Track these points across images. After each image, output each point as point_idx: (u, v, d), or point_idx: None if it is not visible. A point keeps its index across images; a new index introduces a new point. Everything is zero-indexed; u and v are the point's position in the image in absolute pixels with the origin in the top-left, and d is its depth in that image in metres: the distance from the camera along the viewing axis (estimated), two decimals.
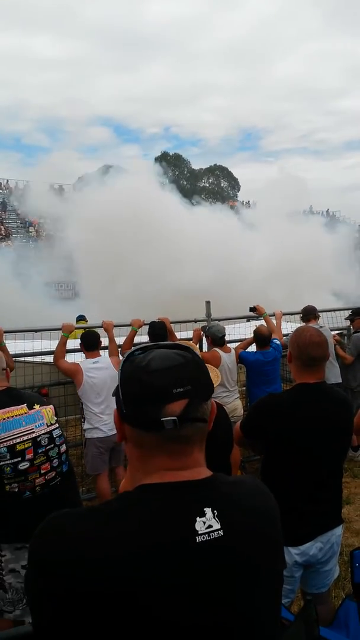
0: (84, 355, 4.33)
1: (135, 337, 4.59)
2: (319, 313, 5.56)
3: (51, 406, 2.46)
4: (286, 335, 4.96)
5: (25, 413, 2.31)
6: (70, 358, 4.34)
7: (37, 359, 4.75)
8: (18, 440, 2.24)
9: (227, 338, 4.94)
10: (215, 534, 0.84)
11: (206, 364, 1.08)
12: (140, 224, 17.63)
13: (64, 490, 2.39)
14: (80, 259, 18.78)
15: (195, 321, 5.25)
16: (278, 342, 5.00)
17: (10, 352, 3.92)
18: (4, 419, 2.25)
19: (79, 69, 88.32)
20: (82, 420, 4.25)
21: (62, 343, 4.15)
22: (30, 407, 2.35)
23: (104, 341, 4.40)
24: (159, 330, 4.59)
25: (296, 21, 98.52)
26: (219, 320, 5.27)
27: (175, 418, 0.87)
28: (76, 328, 4.62)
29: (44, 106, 79.76)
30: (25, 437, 2.26)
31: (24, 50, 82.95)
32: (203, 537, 0.83)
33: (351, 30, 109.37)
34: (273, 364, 4.89)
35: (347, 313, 6.24)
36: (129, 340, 4.53)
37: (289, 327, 5.70)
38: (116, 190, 19.77)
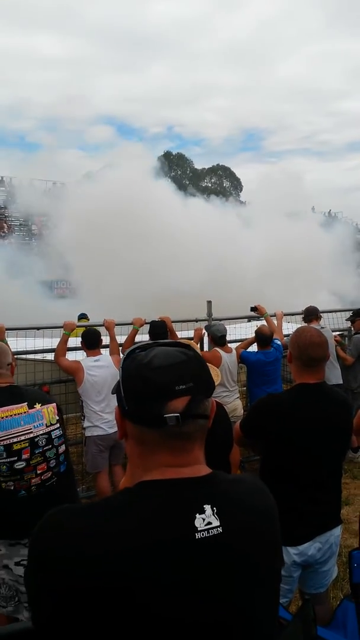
0: (85, 353, 4.33)
1: (136, 337, 4.59)
2: (320, 314, 5.57)
3: (54, 404, 2.44)
4: (287, 335, 4.96)
5: (25, 412, 2.30)
6: (71, 356, 4.34)
7: (39, 356, 4.75)
8: (15, 439, 2.22)
9: (228, 338, 4.94)
10: (215, 531, 0.85)
11: (206, 364, 1.08)
12: (135, 219, 17.32)
13: (60, 489, 2.38)
14: (75, 256, 18.37)
15: (197, 321, 5.24)
16: (279, 342, 5.00)
17: (12, 350, 3.91)
18: (2, 417, 2.24)
19: (81, 68, 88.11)
20: (82, 418, 4.25)
21: (64, 341, 4.15)
22: (31, 406, 2.33)
23: (105, 339, 4.41)
24: (160, 329, 4.60)
25: (298, 22, 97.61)
26: (220, 320, 5.26)
27: (177, 414, 0.87)
28: (78, 326, 4.63)
29: (46, 104, 79.72)
30: (22, 437, 2.24)
31: (26, 49, 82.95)
32: (202, 534, 0.84)
33: (353, 32, 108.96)
34: (274, 364, 4.89)
35: (348, 314, 6.24)
36: (130, 339, 4.53)
37: (289, 327, 5.70)
38: (108, 183, 19.44)
